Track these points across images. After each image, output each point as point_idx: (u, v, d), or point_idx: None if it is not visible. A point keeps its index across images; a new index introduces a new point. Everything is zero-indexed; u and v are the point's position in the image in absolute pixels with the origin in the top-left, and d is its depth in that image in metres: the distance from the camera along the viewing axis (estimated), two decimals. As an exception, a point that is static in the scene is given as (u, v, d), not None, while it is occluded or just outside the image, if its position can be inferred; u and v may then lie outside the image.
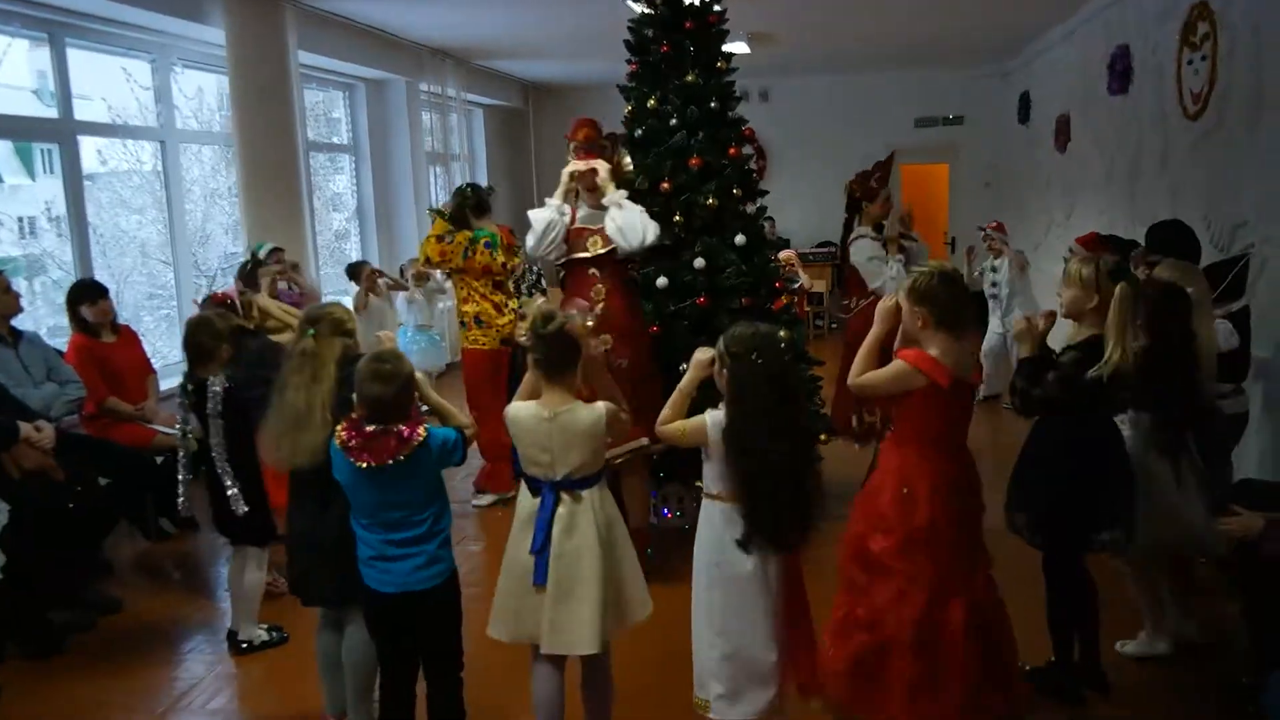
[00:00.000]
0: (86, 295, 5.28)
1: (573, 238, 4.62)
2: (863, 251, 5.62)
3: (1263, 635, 3.37)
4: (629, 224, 4.45)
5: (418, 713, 3.09)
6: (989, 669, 3.11)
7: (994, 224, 8.22)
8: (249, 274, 5.90)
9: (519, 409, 2.94)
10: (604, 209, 4.54)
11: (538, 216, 4.65)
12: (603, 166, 4.56)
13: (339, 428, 2.87)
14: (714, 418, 2.87)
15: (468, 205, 5.90)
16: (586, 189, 4.60)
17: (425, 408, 3.10)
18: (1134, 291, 3.28)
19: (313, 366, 3.13)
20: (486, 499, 5.99)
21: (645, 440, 4.29)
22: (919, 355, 3.00)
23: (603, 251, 4.55)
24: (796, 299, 7.29)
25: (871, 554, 3.08)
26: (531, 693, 3.06)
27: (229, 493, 3.93)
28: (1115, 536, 3.46)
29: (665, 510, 5.27)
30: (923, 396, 2.99)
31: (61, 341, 5.45)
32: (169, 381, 6.26)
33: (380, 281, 8.27)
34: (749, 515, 2.83)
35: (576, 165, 4.60)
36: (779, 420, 2.77)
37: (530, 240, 4.68)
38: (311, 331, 3.19)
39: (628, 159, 4.66)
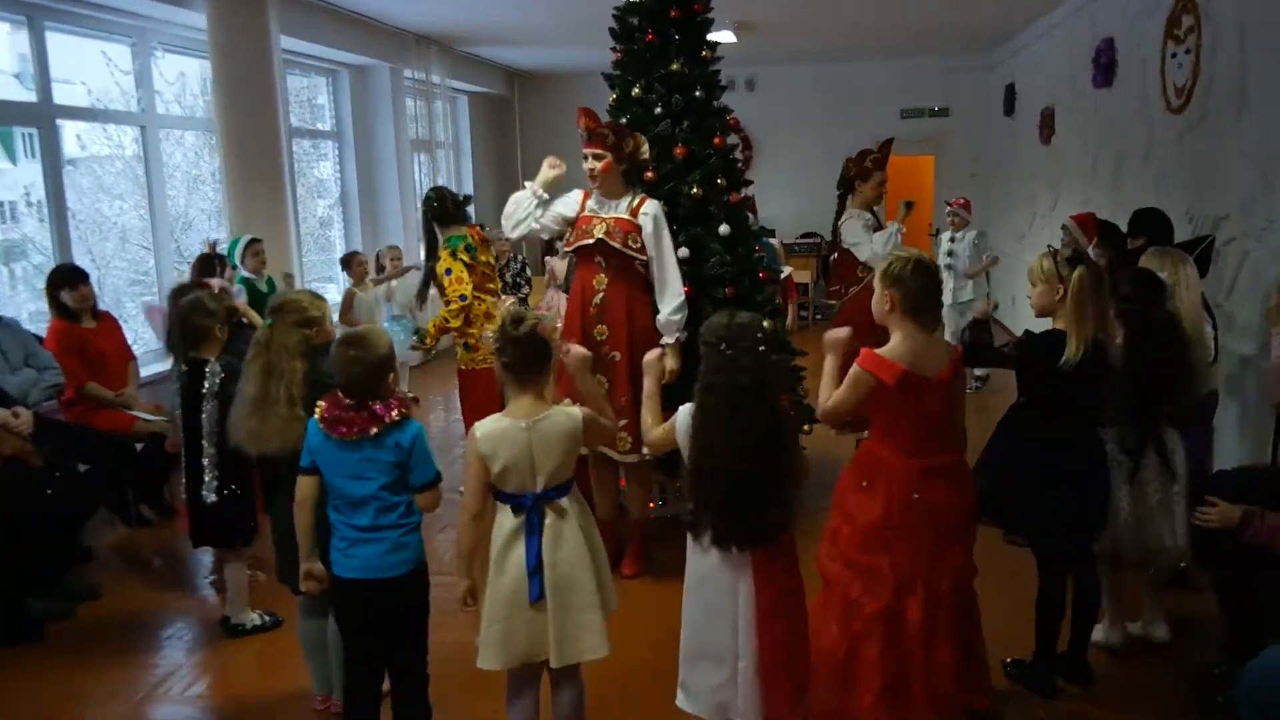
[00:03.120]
0: (66, 280, 5.24)
1: (580, 225, 4.52)
2: (853, 231, 5.65)
3: (1237, 625, 3.40)
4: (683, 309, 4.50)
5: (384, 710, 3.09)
6: (962, 668, 3.13)
7: (960, 200, 8.31)
8: (211, 267, 5.84)
9: (491, 424, 2.80)
10: (613, 199, 4.49)
11: (513, 196, 4.69)
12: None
13: (320, 403, 2.89)
14: (685, 409, 2.86)
15: (433, 214, 5.49)
16: (591, 180, 4.48)
17: (409, 393, 3.08)
18: (1090, 278, 3.27)
19: (266, 357, 3.18)
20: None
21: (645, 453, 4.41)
22: (866, 355, 3.02)
23: (605, 239, 4.42)
24: (783, 288, 7.28)
25: (839, 549, 3.10)
26: (507, 717, 2.99)
27: (204, 478, 3.91)
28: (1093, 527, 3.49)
29: (649, 499, 5.26)
30: (874, 394, 3.01)
31: (42, 327, 5.42)
32: (149, 368, 6.24)
33: (369, 280, 8.20)
34: (697, 498, 2.82)
35: (553, 171, 4.67)
36: (746, 410, 2.73)
37: (503, 219, 4.68)
38: (269, 322, 3.22)
39: (645, 146, 4.59)
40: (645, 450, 4.24)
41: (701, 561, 2.86)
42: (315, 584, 3.03)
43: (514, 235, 4.73)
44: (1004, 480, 3.49)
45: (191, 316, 4.00)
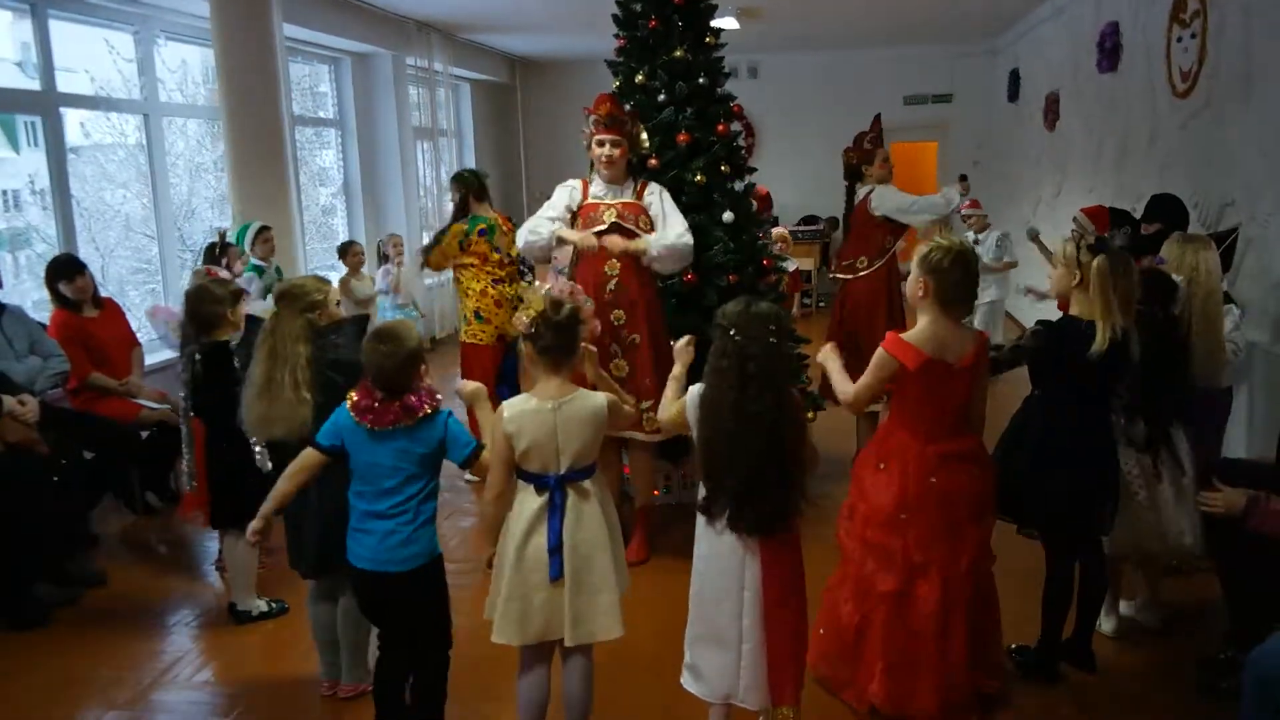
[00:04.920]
0: (63, 272, 5.21)
1: (586, 212, 4.52)
2: (889, 197, 5.46)
3: (1242, 611, 3.40)
4: (672, 255, 4.45)
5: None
6: (974, 650, 3.14)
7: (970, 202, 8.18)
8: (215, 256, 5.85)
9: (519, 403, 2.84)
10: (618, 185, 4.50)
11: (536, 225, 4.58)
12: (614, 242, 4.38)
13: (353, 391, 2.92)
14: (694, 390, 2.87)
15: (471, 190, 5.77)
16: (604, 166, 4.48)
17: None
18: (1114, 263, 3.23)
19: (271, 343, 3.22)
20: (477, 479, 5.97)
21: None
22: (892, 339, 3.06)
23: (619, 222, 4.45)
24: (787, 278, 7.25)
25: (856, 526, 3.12)
26: (518, 693, 3.01)
27: (184, 459, 3.97)
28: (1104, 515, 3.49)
29: (654, 486, 5.26)
30: (894, 376, 3.04)
31: (46, 315, 5.41)
32: (154, 356, 6.24)
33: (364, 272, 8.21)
34: (708, 482, 2.81)
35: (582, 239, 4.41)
36: (752, 397, 2.71)
37: (519, 236, 4.68)
38: (275, 309, 3.28)
39: (644, 135, 4.63)
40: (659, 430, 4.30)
41: (711, 546, 2.86)
42: (257, 538, 3.09)
43: (520, 246, 4.73)
44: (1015, 469, 3.48)
45: (200, 305, 4.03)
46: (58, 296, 5.23)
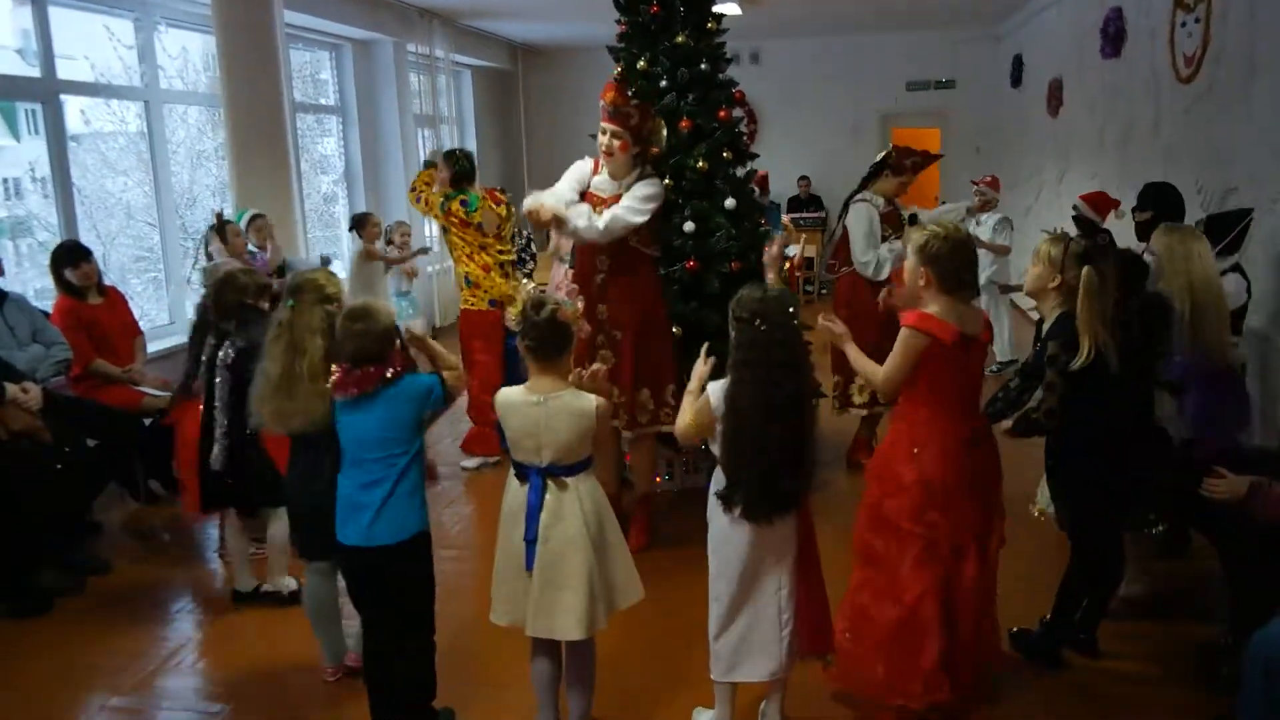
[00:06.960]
0: (69, 258, 5.22)
1: (587, 199, 4.48)
2: (861, 220, 5.46)
3: (1243, 597, 3.40)
4: (589, 233, 4.30)
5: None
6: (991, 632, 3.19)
7: (988, 179, 8.09)
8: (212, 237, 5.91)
9: (508, 393, 2.94)
10: (619, 179, 4.41)
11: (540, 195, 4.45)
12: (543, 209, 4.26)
13: (333, 367, 2.96)
14: (716, 387, 2.85)
15: (460, 172, 5.93)
16: (604, 156, 4.41)
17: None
18: (1100, 278, 3.18)
19: (289, 336, 3.22)
20: (474, 461, 6.01)
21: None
22: (918, 316, 3.00)
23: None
24: (791, 265, 7.24)
25: (888, 519, 3.08)
26: (530, 673, 3.07)
27: (214, 447, 3.98)
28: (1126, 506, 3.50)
29: (654, 474, 5.27)
30: (927, 356, 2.98)
31: (48, 304, 5.41)
32: (157, 344, 6.24)
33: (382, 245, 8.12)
34: (731, 474, 2.82)
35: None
36: (779, 383, 2.74)
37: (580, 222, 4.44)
38: (290, 303, 3.26)
39: (664, 131, 4.57)
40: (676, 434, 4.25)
41: (733, 534, 2.86)
42: None
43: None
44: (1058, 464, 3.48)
45: (226, 292, 4.04)
46: (62, 283, 5.24)
